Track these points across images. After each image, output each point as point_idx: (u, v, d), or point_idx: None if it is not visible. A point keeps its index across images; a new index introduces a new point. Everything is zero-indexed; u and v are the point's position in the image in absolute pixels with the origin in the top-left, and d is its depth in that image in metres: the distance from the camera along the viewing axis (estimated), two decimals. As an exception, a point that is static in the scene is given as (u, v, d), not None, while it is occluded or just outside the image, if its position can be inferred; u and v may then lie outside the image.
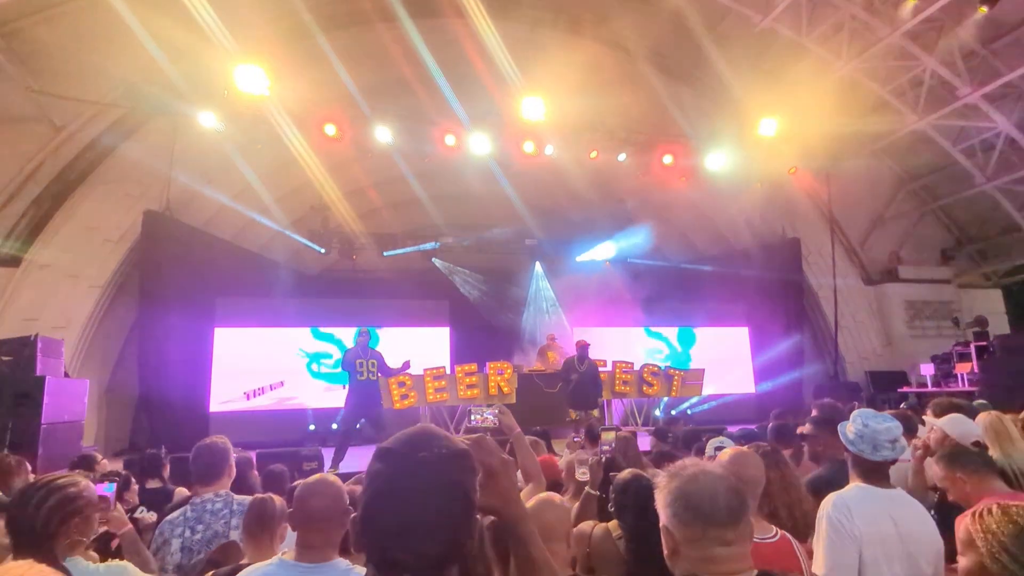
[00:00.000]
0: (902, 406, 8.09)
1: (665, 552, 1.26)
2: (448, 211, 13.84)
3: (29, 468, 3.91)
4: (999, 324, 14.07)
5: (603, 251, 14.55)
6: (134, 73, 9.39)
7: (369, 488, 0.96)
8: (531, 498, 2.19)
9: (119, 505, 2.77)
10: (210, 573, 2.13)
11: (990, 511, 1.45)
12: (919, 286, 14.43)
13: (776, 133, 12.10)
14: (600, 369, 9.91)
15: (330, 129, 9.91)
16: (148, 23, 9.69)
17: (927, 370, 11.92)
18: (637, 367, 11.17)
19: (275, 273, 12.28)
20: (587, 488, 2.78)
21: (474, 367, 10.17)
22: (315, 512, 2.03)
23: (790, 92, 13.31)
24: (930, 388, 11.44)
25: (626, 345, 13.00)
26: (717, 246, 14.97)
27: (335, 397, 11.00)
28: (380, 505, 0.93)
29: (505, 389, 9.96)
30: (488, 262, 14.68)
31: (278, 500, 2.45)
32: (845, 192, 13.48)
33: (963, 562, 2.17)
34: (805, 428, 3.14)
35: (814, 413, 3.21)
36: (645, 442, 9.19)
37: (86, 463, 4.27)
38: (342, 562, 2.07)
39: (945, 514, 2.41)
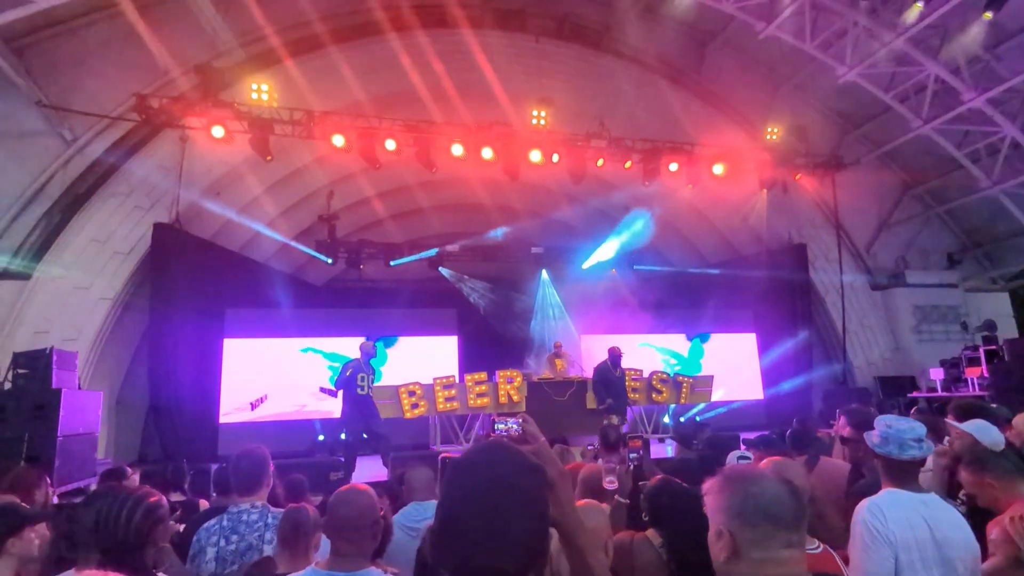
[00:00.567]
0: (912, 411, 8.06)
1: (721, 556, 1.27)
2: (454, 220, 13.89)
3: (48, 481, 3.92)
4: (1007, 328, 14.02)
5: (607, 250, 14.45)
6: (143, 86, 9.46)
7: (446, 501, 0.97)
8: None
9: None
10: None
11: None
12: (926, 290, 14.41)
13: (780, 139, 12.17)
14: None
15: (338, 140, 9.96)
16: (157, 36, 9.81)
17: (936, 375, 11.88)
18: (646, 374, 11.17)
19: (283, 284, 12.32)
20: (617, 497, 2.78)
21: (484, 376, 10.18)
22: (345, 521, 2.05)
23: (794, 98, 13.42)
24: (940, 393, 11.41)
25: (633, 353, 12.98)
26: (723, 252, 14.98)
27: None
28: (459, 518, 0.95)
29: (515, 397, 9.95)
30: (495, 270, 14.71)
31: (312, 509, 2.47)
32: (851, 197, 13.52)
33: (994, 560, 2.18)
34: (846, 432, 3.13)
35: (842, 420, 3.20)
36: (657, 450, 9.18)
37: (117, 475, 4.27)
38: (375, 571, 2.08)
39: (974, 521, 2.40)
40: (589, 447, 6.53)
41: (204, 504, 4.08)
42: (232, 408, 11.49)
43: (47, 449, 5.83)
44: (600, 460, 3.97)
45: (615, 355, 9.48)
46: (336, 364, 12.27)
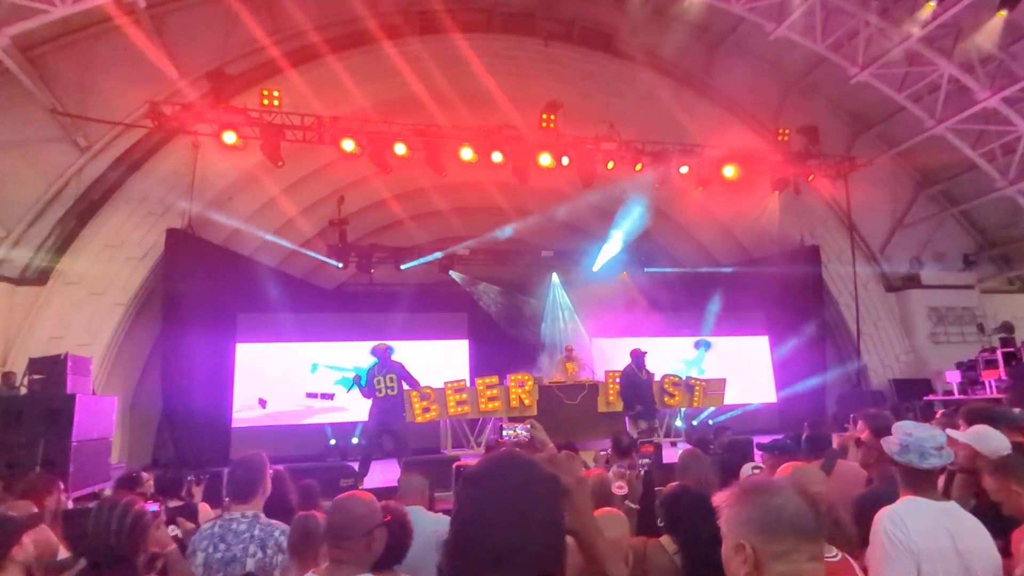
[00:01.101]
0: (939, 415, 7.94)
1: (741, 571, 1.23)
2: (464, 224, 13.88)
3: (61, 487, 3.94)
4: (1024, 330, 13.84)
5: (612, 245, 14.23)
6: (155, 94, 9.55)
7: (460, 514, 0.96)
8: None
9: (162, 524, 2.78)
10: None
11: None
12: (942, 292, 14.22)
13: (792, 141, 12.06)
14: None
15: (348, 144, 9.99)
16: (168, 45, 9.91)
17: (953, 377, 11.71)
18: (658, 377, 11.07)
19: (294, 288, 12.37)
20: (627, 502, 2.75)
21: (495, 380, 10.13)
22: (338, 528, 2.02)
23: (805, 100, 13.32)
24: (956, 396, 11.25)
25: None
26: (735, 254, 14.87)
27: (355, 412, 10.97)
28: (473, 531, 0.93)
29: (527, 401, 9.90)
30: (505, 274, 14.69)
31: (320, 517, 2.45)
32: (864, 198, 13.35)
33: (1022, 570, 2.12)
34: (863, 435, 3.08)
35: (860, 424, 3.15)
36: (669, 455, 9.09)
37: (132, 481, 4.29)
38: (372, 579, 2.04)
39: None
40: (602, 452, 6.48)
41: (205, 508, 4.09)
42: (244, 412, 11.53)
43: (62, 454, 5.86)
44: (612, 465, 3.93)
45: (639, 357, 9.33)
46: (346, 373, 12.29)
